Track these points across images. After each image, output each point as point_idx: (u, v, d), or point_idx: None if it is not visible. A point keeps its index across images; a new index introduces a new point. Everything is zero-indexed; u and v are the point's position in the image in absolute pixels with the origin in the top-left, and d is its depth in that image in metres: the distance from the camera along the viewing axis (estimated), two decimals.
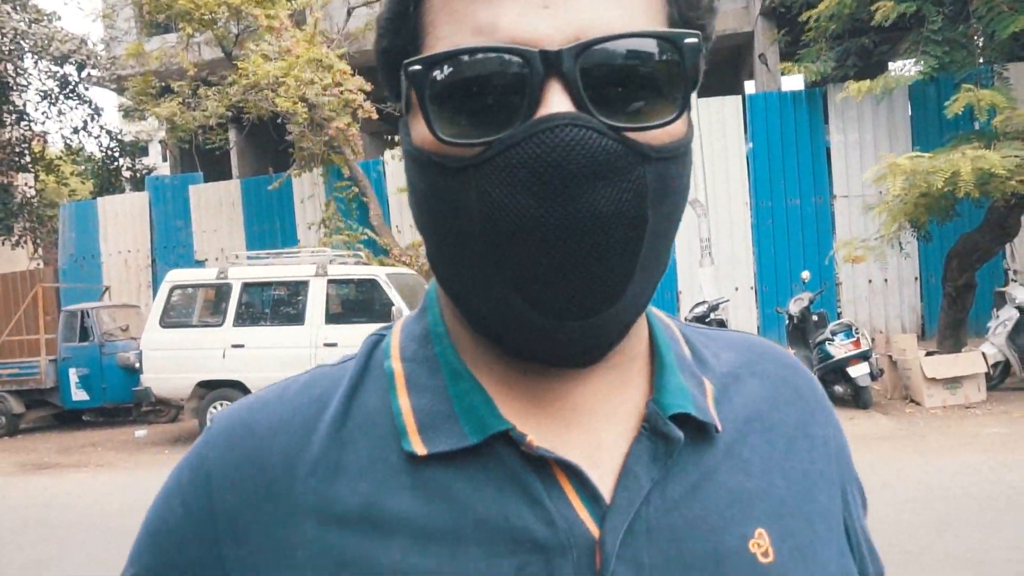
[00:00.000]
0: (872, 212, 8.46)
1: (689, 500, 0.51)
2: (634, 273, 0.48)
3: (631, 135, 0.46)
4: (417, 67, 0.46)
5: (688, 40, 0.47)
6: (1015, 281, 8.56)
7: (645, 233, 0.47)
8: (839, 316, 11.00)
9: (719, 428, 0.54)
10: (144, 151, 24.40)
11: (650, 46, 0.46)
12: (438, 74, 0.46)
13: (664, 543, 0.50)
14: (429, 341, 0.55)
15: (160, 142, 16.41)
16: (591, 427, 0.53)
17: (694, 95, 0.51)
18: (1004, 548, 4.02)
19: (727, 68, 16.09)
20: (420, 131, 0.49)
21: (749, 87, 16.45)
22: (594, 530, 0.49)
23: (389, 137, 12.42)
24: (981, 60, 10.12)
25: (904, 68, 11.92)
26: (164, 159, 22.48)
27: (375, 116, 11.75)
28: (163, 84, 12.66)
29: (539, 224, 0.45)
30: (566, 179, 0.44)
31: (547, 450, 0.49)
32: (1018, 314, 8.07)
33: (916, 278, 11.20)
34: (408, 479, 0.50)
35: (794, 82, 18.92)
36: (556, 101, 0.45)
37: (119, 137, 19.18)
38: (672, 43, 0.46)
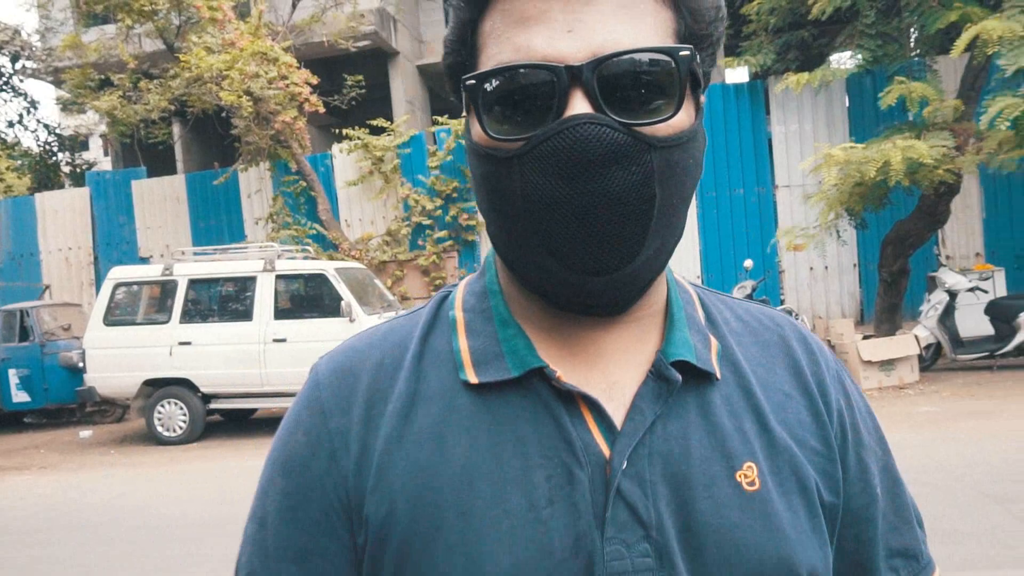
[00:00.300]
0: (810, 201, 8.72)
1: (687, 433, 0.63)
2: (646, 239, 0.59)
3: (639, 129, 0.57)
4: (472, 81, 0.59)
5: (682, 53, 0.58)
6: (945, 266, 8.90)
7: (654, 206, 0.58)
8: (782, 302, 11.32)
9: (718, 376, 0.66)
10: (84, 145, 23.74)
11: (651, 58, 0.57)
12: (487, 86, 0.58)
13: (662, 464, 0.61)
14: (486, 296, 0.69)
15: (101, 136, 15.97)
16: (610, 370, 0.65)
17: (698, 95, 0.63)
18: (933, 518, 4.22)
19: None
20: (476, 130, 0.61)
21: None
22: (606, 451, 0.61)
23: (337, 131, 12.32)
24: (915, 53, 10.49)
25: (843, 61, 12.25)
26: (105, 154, 21.91)
27: (322, 110, 11.65)
28: (102, 77, 12.35)
29: (567, 200, 0.57)
30: (586, 165, 0.56)
31: (573, 385, 0.62)
32: (948, 297, 8.41)
33: (855, 265, 11.56)
34: (465, 403, 0.63)
35: (739, 75, 19.26)
36: (578, 104, 0.56)
37: (57, 131, 18.65)
38: (668, 55, 0.57)
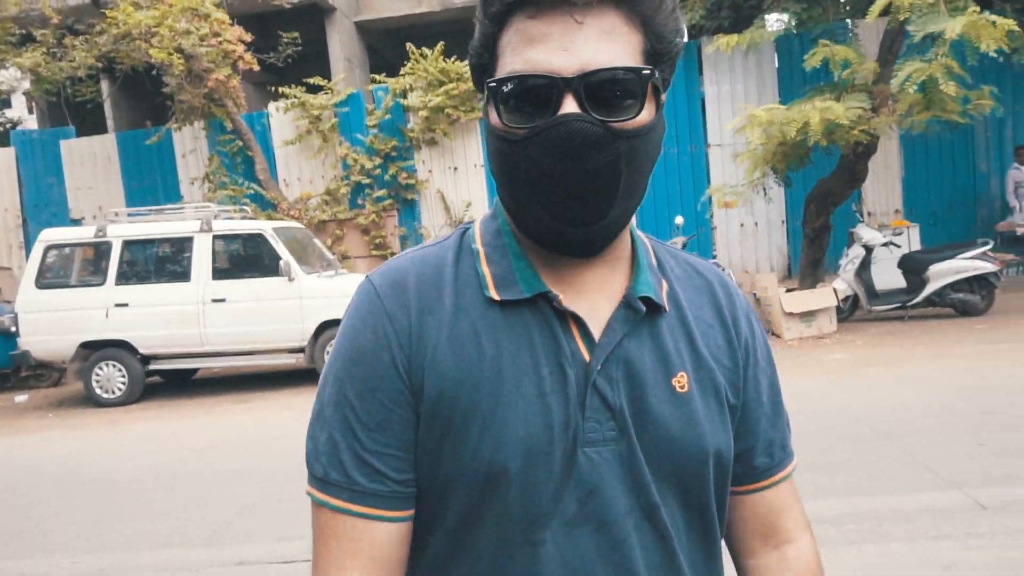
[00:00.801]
0: (737, 160, 9.03)
1: (642, 347, 0.86)
2: (614, 202, 0.80)
3: (612, 124, 0.77)
4: (493, 83, 0.80)
5: (644, 72, 0.78)
6: (862, 222, 9.35)
7: (621, 179, 0.79)
8: (715, 257, 11.72)
9: (666, 309, 0.89)
10: (7, 103, 22.81)
11: (624, 74, 0.77)
12: (504, 88, 0.78)
13: (624, 369, 0.84)
14: (499, 235, 0.89)
15: (24, 94, 15.41)
16: (592, 298, 0.86)
17: (663, 95, 0.84)
18: (828, 452, 4.61)
19: None
20: (494, 117, 0.81)
21: None
22: (587, 356, 0.84)
23: (273, 89, 12.16)
24: (839, 17, 10.80)
25: (778, 22, 12.55)
26: (30, 111, 21.10)
27: (256, 68, 11.49)
28: (24, 32, 11.92)
29: (558, 173, 0.78)
30: (573, 149, 0.77)
31: (566, 307, 0.84)
32: (864, 252, 8.88)
33: (783, 221, 12.00)
34: (491, 315, 0.84)
35: None
36: (568, 105, 0.76)
37: None
38: (635, 73, 0.78)
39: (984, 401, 5.42)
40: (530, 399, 0.81)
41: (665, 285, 0.90)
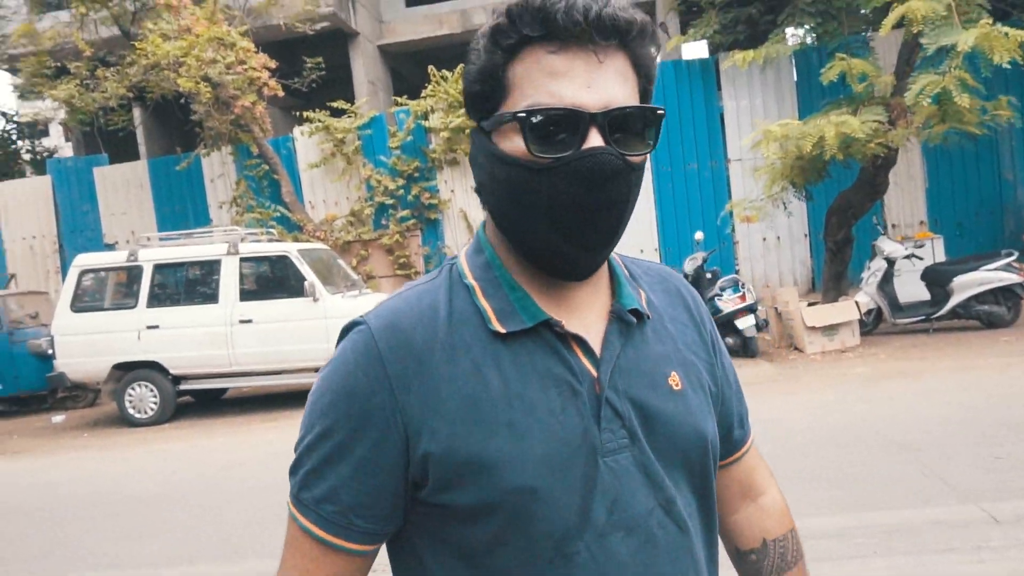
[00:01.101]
0: (755, 174, 9.05)
1: (637, 356, 0.91)
2: (621, 228, 0.87)
3: (628, 157, 0.84)
4: (523, 113, 0.82)
5: (659, 112, 0.86)
6: (883, 235, 9.31)
7: (628, 208, 0.87)
8: (737, 272, 11.71)
9: (649, 316, 0.95)
10: (44, 132, 23.50)
11: (644, 113, 0.85)
12: (534, 118, 0.81)
13: (627, 377, 0.89)
14: (489, 268, 0.91)
15: (60, 124, 15.92)
16: (584, 316, 0.91)
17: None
18: (846, 465, 4.62)
19: None
20: (513, 145, 0.84)
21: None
22: (593, 372, 0.88)
23: (299, 113, 12.43)
24: (858, 30, 10.81)
25: (793, 36, 12.57)
26: (67, 139, 21.69)
27: (281, 93, 11.76)
28: (58, 64, 12.33)
29: (583, 203, 0.83)
30: (598, 180, 0.82)
31: (569, 330, 0.89)
32: (886, 265, 8.83)
33: (806, 235, 11.97)
34: (493, 347, 0.87)
35: (698, 50, 19.41)
36: (594, 138, 0.82)
37: (15, 119, 18.49)
38: (653, 112, 0.85)
39: (1005, 414, 5.38)
40: (544, 421, 0.84)
41: (643, 294, 0.97)
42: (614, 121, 0.82)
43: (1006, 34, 6.65)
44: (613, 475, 0.86)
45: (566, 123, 0.81)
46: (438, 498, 0.84)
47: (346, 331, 0.90)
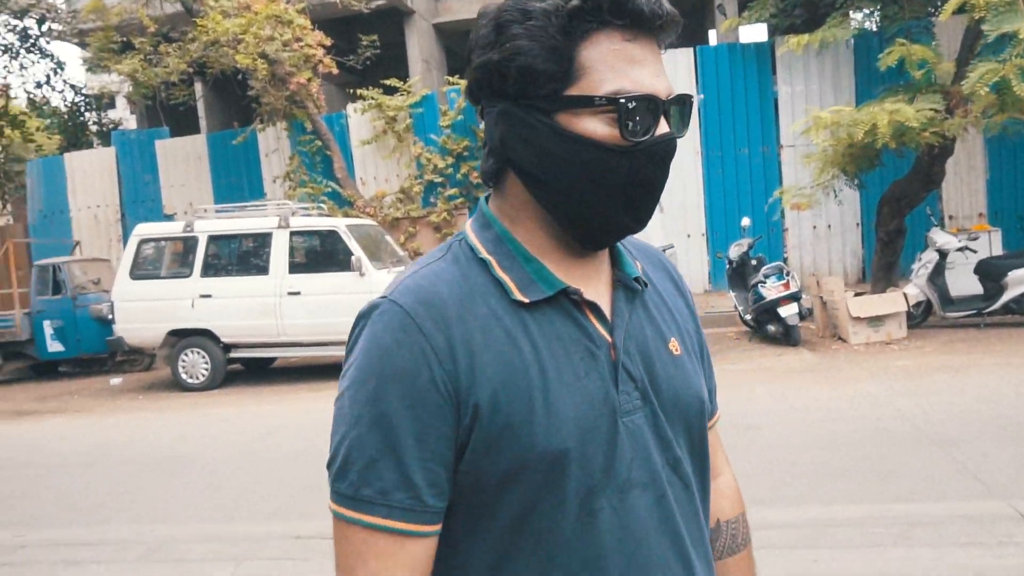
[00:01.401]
0: (805, 161, 8.91)
1: (643, 321, 0.96)
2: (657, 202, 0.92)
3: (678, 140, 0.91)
4: (623, 100, 0.85)
5: (699, 96, 1.07)
6: (936, 226, 9.09)
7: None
8: (785, 260, 11.55)
9: (647, 285, 1.00)
10: (111, 104, 24.26)
11: (687, 99, 0.91)
12: (630, 105, 0.85)
13: (637, 341, 0.94)
14: (501, 242, 0.93)
15: (125, 97, 16.44)
16: (593, 285, 0.94)
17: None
18: (877, 459, 4.60)
19: (691, 19, 16.34)
20: (594, 127, 0.86)
21: (712, 37, 16.73)
22: (608, 337, 0.92)
23: (352, 91, 12.63)
24: (919, 15, 10.49)
25: (853, 20, 12.25)
26: (132, 112, 22.39)
27: (336, 71, 11.95)
28: (124, 39, 12.74)
29: (651, 182, 0.89)
30: (666, 161, 0.89)
31: (587, 298, 0.92)
32: (938, 257, 8.63)
33: (858, 224, 11.74)
34: (518, 316, 0.89)
35: (756, 32, 19.04)
36: (664, 124, 0.88)
37: (84, 91, 19.13)
38: (691, 97, 0.92)
39: None
40: (571, 384, 0.88)
41: (639, 265, 1.01)
42: (675, 107, 0.89)
43: None
44: (631, 435, 0.90)
45: (649, 110, 0.86)
46: (477, 464, 0.86)
47: (364, 316, 0.90)
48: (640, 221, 0.91)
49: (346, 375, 0.89)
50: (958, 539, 3.48)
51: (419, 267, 0.93)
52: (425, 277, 0.90)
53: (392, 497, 0.85)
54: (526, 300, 0.89)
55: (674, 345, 0.98)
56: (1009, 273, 8.33)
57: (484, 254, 0.92)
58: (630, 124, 0.85)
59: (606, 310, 0.94)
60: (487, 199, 0.99)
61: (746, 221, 9.66)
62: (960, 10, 7.40)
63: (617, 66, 0.85)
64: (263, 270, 9.04)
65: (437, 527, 0.88)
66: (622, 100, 0.85)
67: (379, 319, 0.87)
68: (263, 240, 9.11)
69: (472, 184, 12.37)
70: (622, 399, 0.90)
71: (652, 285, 1.01)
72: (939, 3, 9.73)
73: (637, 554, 0.89)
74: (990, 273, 8.53)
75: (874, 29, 11.06)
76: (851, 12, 10.23)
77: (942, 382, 6.44)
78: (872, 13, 9.55)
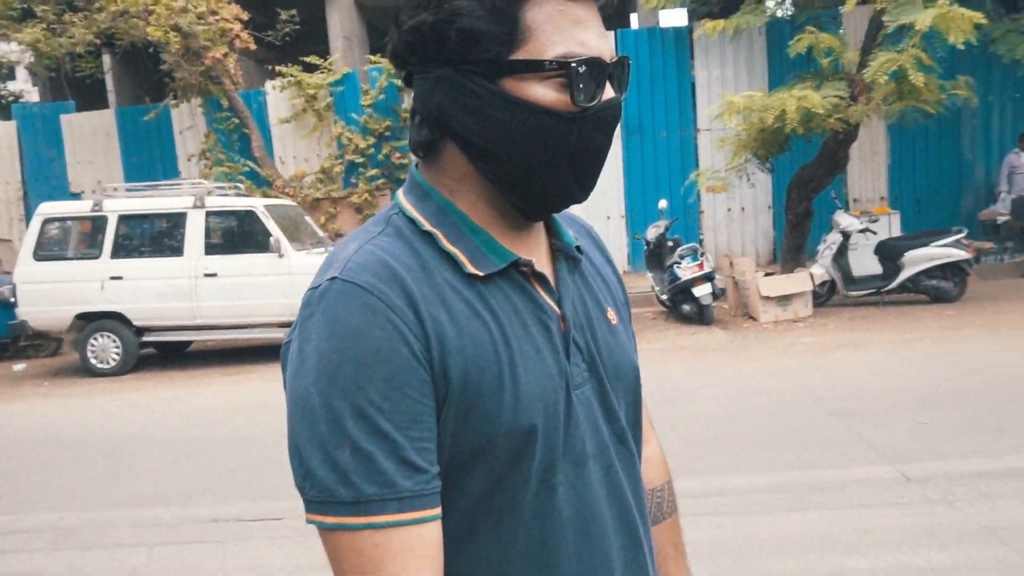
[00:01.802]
0: (720, 145, 9.20)
1: (582, 292, 0.95)
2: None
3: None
4: (574, 63, 0.81)
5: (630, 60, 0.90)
6: (840, 209, 9.52)
7: None
8: (701, 242, 11.91)
9: (583, 253, 0.98)
10: (11, 75, 22.96)
11: (628, 62, 0.88)
12: (580, 69, 0.81)
13: (581, 310, 0.93)
14: (444, 213, 0.88)
15: (27, 68, 15.59)
16: (537, 256, 0.92)
17: None
18: (784, 430, 4.84)
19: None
20: (542, 93, 0.81)
21: (634, 21, 16.95)
22: (557, 308, 0.90)
23: (271, 67, 12.33)
24: (834, 4, 10.89)
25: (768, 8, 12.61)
26: (33, 84, 21.26)
27: (253, 46, 11.64)
28: (24, 6, 12.08)
29: (599, 148, 0.86)
30: (612, 127, 0.87)
31: (535, 268, 0.90)
32: (841, 238, 9.05)
33: (769, 207, 12.16)
34: (473, 289, 0.85)
35: (676, 17, 19.39)
36: (608, 88, 0.85)
37: None
38: (629, 60, 0.89)
39: (936, 384, 5.65)
40: (533, 359, 0.85)
41: (573, 233, 0.99)
42: (619, 70, 0.86)
43: (962, 15, 6.80)
44: (583, 406, 0.89)
45: (596, 74, 0.82)
46: (449, 440, 0.82)
47: (314, 302, 0.81)
48: (586, 189, 0.89)
49: (303, 372, 0.79)
50: (851, 502, 3.72)
51: (360, 243, 0.86)
52: (372, 253, 0.84)
53: (400, 487, 0.77)
54: (480, 273, 0.85)
55: (611, 315, 0.98)
56: (906, 254, 8.82)
57: (428, 227, 0.87)
58: (580, 89, 0.81)
59: (551, 281, 0.92)
60: (417, 167, 0.93)
61: (663, 203, 9.91)
62: (864, 1, 7.72)
63: (563, 28, 0.81)
64: (177, 251, 8.78)
65: (441, 508, 0.82)
66: (573, 64, 0.81)
67: (337, 301, 0.79)
68: (177, 220, 8.84)
69: (394, 165, 12.28)
70: (573, 371, 0.89)
71: (586, 255, 1.00)
72: None
73: (591, 526, 0.89)
74: (889, 254, 9.01)
75: (786, 17, 11.41)
76: (764, 0, 10.53)
77: (843, 357, 6.79)
78: (784, 1, 9.86)
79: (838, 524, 3.51)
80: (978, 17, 6.87)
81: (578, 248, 0.96)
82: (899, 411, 5.07)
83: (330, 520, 0.77)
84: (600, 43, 0.83)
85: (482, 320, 0.84)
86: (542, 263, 0.92)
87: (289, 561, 3.61)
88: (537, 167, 0.85)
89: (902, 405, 5.20)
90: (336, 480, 0.76)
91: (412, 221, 0.88)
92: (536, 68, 0.81)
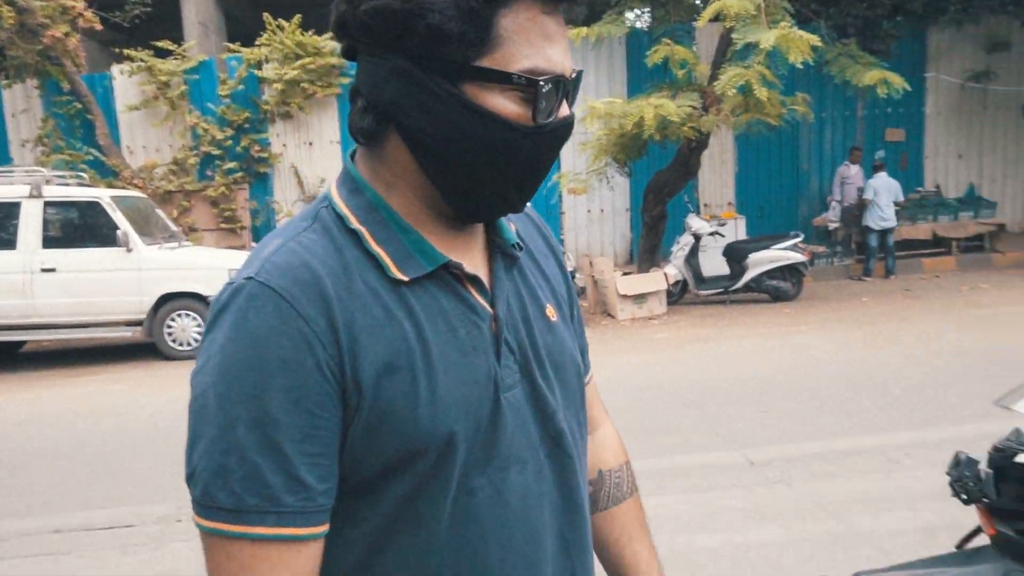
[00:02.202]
0: (580, 148, 9.52)
1: (519, 290, 0.92)
2: None
3: None
4: (542, 81, 0.79)
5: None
6: (692, 212, 10.09)
7: None
8: (562, 242, 12.24)
9: (523, 248, 0.96)
10: None
11: (581, 76, 0.86)
12: (545, 87, 0.79)
13: (517, 308, 0.91)
14: (375, 210, 0.85)
15: None
16: (471, 255, 0.90)
17: None
18: (642, 420, 5.08)
19: None
20: (503, 104, 0.79)
21: None
22: (490, 309, 0.88)
23: (119, 50, 11.58)
24: (690, 20, 11.51)
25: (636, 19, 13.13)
26: None
27: (99, 26, 10.91)
28: None
29: (549, 160, 0.85)
30: (564, 142, 0.86)
31: (470, 271, 0.88)
32: (693, 240, 9.60)
33: (627, 209, 12.67)
34: (397, 293, 0.83)
35: None
36: (564, 105, 0.84)
37: None
38: (582, 73, 0.88)
39: (776, 376, 6.10)
40: (457, 363, 0.83)
41: (513, 227, 0.96)
42: (572, 87, 0.85)
43: (801, 37, 7.39)
44: (512, 409, 0.87)
45: (559, 90, 0.82)
46: (360, 450, 0.80)
47: (226, 303, 0.79)
48: (525, 200, 0.88)
49: (206, 370, 0.78)
50: (701, 486, 3.97)
51: (284, 239, 0.83)
52: (294, 252, 0.81)
53: (283, 502, 0.76)
54: (405, 278, 0.83)
55: (550, 311, 0.95)
56: (750, 256, 9.47)
57: (356, 224, 0.84)
58: (542, 105, 0.80)
59: (485, 280, 0.90)
60: (352, 157, 0.91)
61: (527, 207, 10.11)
62: (716, 18, 8.21)
63: (534, 41, 0.79)
64: (10, 244, 8.11)
65: (326, 526, 0.80)
66: (541, 82, 0.79)
67: (248, 305, 0.77)
68: (10, 211, 8.15)
69: (253, 158, 11.84)
70: (504, 373, 0.87)
71: (526, 247, 0.98)
72: (701, 9, 10.70)
73: (516, 531, 0.87)
74: (735, 256, 9.64)
75: (644, 29, 11.94)
76: (625, 11, 10.96)
77: (694, 352, 7.21)
78: (643, 14, 10.30)
79: (691, 505, 3.75)
80: (815, 40, 7.48)
81: (517, 245, 0.94)
82: (743, 401, 5.45)
83: (208, 524, 0.76)
84: (564, 59, 0.82)
85: (400, 326, 0.81)
86: (477, 261, 0.90)
87: (145, 568, 3.44)
88: (484, 175, 0.83)
89: (746, 395, 5.58)
90: (219, 485, 0.75)
91: (340, 217, 0.85)
92: (502, 79, 0.79)
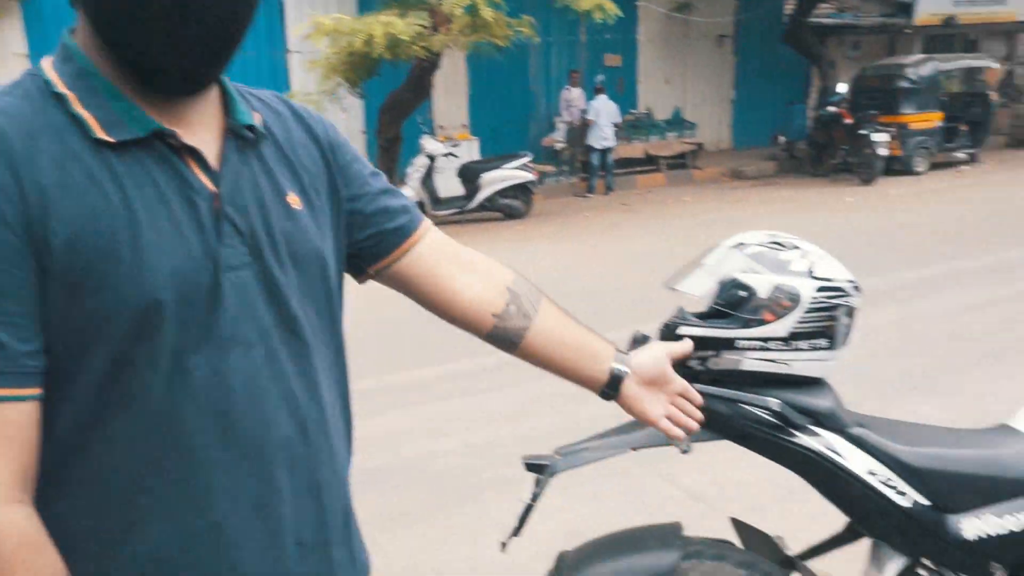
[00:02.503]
0: (310, 67, 9.12)
1: (255, 174, 0.90)
2: (229, 44, 0.85)
3: None
4: None
5: None
6: (427, 134, 10.17)
7: (235, 22, 0.85)
8: None
9: (266, 135, 0.94)
10: None
11: None
12: None
13: (247, 194, 0.88)
14: (86, 76, 0.82)
15: None
16: (198, 132, 0.87)
17: None
18: (361, 340, 5.15)
19: None
20: None
21: None
22: (212, 187, 0.86)
23: None
24: None
25: None
26: None
27: None
28: None
29: (198, 7, 0.79)
30: None
31: (186, 141, 0.84)
32: (428, 161, 9.71)
33: (363, 131, 12.45)
34: (103, 158, 0.81)
35: None
36: None
37: None
38: None
39: None
40: (168, 233, 0.82)
41: (258, 116, 0.94)
42: None
43: None
44: (236, 290, 0.86)
45: None
46: (59, 314, 0.79)
47: None
48: (187, 56, 0.82)
49: None
50: (439, 395, 4.14)
51: None
52: None
53: None
54: (111, 140, 0.81)
55: (292, 199, 0.93)
56: (482, 175, 9.80)
57: (61, 88, 0.82)
58: None
59: (212, 159, 0.87)
60: (72, 31, 0.87)
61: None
62: None
63: None
64: None
65: (38, 389, 0.79)
66: None
67: None
68: None
69: None
70: (227, 253, 0.85)
71: (273, 136, 0.96)
72: None
73: (240, 412, 0.87)
74: (469, 176, 9.92)
75: None
76: None
77: None
78: None
79: (431, 412, 3.92)
80: None
81: (252, 128, 0.91)
82: None
83: None
84: None
85: (101, 189, 0.80)
86: (205, 139, 0.88)
87: None
88: (128, 26, 0.80)
89: None
90: None
91: (47, 83, 0.83)
92: None
